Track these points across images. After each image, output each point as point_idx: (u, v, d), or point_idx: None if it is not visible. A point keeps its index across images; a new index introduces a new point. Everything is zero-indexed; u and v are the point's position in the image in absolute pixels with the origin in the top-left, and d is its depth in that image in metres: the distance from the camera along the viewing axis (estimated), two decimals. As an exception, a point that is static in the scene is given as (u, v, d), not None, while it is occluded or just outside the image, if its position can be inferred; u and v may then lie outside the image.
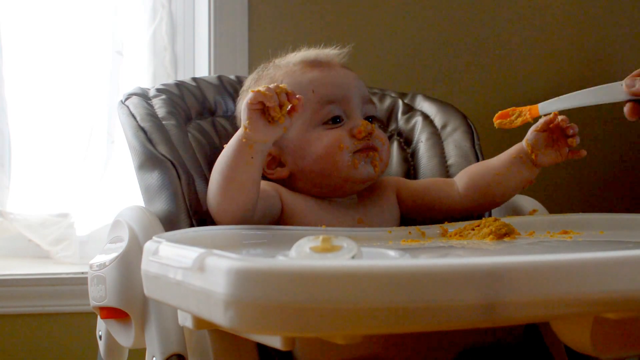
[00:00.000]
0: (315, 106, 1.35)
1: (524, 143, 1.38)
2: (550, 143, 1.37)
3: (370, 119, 1.39)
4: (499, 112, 1.36)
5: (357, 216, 1.38)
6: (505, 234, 1.24)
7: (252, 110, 1.19)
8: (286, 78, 1.38)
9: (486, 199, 1.41)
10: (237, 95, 1.56)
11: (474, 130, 1.59)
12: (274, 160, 1.38)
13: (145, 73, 2.02)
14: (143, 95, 1.46)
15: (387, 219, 1.40)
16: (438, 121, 1.60)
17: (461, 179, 1.43)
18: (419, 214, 1.43)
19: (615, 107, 2.18)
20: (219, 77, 1.59)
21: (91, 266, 1.34)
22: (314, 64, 1.39)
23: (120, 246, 1.29)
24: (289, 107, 1.19)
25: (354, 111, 1.37)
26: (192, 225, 1.31)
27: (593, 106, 2.24)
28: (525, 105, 1.36)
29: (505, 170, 1.40)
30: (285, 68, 1.40)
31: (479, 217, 1.43)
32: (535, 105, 1.35)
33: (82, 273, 1.85)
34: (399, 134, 1.62)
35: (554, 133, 1.37)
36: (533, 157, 1.37)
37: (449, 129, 1.59)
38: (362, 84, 1.42)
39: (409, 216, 1.44)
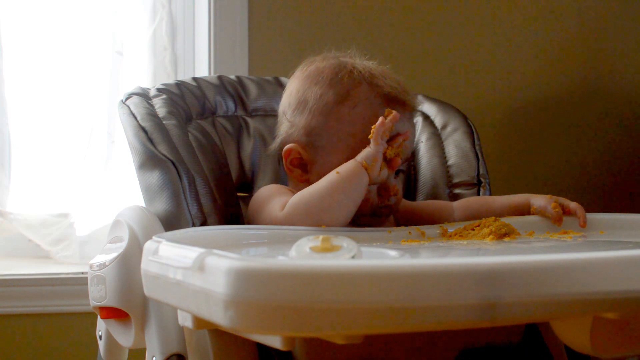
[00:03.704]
0: None
1: (531, 209, 1.39)
2: None
3: (398, 171, 1.38)
4: None
5: None
6: (505, 234, 1.25)
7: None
8: (362, 106, 1.35)
9: None
10: (238, 95, 1.56)
11: (474, 130, 1.59)
12: (301, 163, 1.37)
13: (145, 73, 2.02)
14: (144, 95, 1.46)
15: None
16: (438, 121, 1.60)
17: (460, 211, 1.44)
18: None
19: (614, 108, 2.19)
20: (219, 77, 1.58)
21: (91, 266, 1.34)
22: (393, 106, 1.35)
23: (120, 246, 1.29)
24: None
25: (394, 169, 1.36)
26: (192, 225, 1.31)
27: (592, 107, 2.25)
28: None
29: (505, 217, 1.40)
30: (366, 92, 1.36)
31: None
32: None
33: (82, 273, 1.85)
34: (399, 134, 1.62)
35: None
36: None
37: (449, 129, 1.59)
38: (414, 139, 1.45)
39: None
